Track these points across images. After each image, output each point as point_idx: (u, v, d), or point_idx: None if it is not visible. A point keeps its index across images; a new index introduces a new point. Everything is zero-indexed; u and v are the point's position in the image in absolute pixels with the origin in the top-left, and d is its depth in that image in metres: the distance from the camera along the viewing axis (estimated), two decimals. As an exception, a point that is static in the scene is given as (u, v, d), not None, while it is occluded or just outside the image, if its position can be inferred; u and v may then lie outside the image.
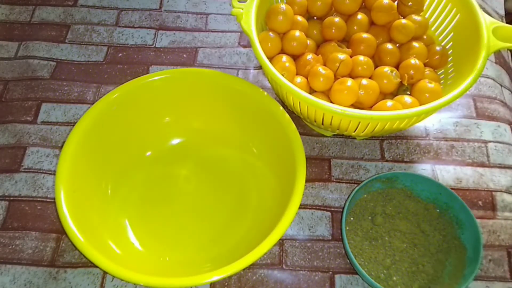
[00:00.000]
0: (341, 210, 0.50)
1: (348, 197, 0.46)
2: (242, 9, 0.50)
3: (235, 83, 0.50)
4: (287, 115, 0.46)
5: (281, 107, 0.47)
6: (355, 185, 0.51)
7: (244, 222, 0.48)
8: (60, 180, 0.42)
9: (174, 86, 0.50)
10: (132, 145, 0.51)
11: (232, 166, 0.51)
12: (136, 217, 0.48)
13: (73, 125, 0.54)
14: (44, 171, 0.51)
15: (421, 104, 0.47)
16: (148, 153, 0.52)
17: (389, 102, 0.47)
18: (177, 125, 0.53)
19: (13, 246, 0.47)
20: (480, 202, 0.51)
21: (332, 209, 0.50)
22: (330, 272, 0.46)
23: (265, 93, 0.48)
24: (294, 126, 0.46)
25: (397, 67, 0.52)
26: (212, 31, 0.64)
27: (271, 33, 0.51)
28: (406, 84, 0.50)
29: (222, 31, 0.64)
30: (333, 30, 0.53)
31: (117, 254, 0.43)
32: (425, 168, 0.53)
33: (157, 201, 0.50)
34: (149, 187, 0.50)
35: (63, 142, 0.53)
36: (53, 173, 0.51)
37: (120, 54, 0.61)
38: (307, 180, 0.51)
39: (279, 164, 0.47)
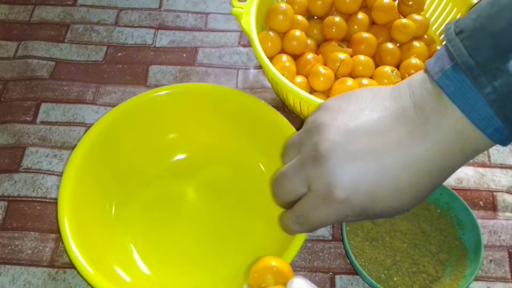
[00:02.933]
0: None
1: (348, 197, 0.46)
2: (242, 8, 0.50)
3: (242, 99, 0.48)
4: (294, 130, 0.45)
5: (290, 126, 0.46)
6: (356, 185, 0.51)
7: (254, 240, 0.46)
8: (63, 208, 0.41)
9: (179, 101, 0.49)
10: (135, 163, 0.49)
11: (240, 183, 0.50)
12: (141, 240, 0.46)
13: (73, 125, 0.54)
14: (43, 171, 0.51)
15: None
16: (152, 170, 0.50)
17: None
18: (182, 141, 0.51)
19: (12, 247, 0.47)
20: (481, 203, 0.50)
21: (333, 209, 0.49)
22: (331, 273, 0.46)
23: (274, 109, 0.47)
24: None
25: (397, 66, 0.51)
26: (212, 31, 0.64)
27: (271, 33, 0.51)
28: (406, 84, 0.50)
29: (222, 31, 0.63)
30: (334, 30, 0.53)
31: (127, 283, 0.41)
32: (425, 168, 0.52)
33: (162, 221, 0.48)
34: (153, 206, 0.48)
35: (63, 143, 0.53)
36: (53, 173, 0.51)
37: (119, 54, 0.61)
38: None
39: None
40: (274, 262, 0.31)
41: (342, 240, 0.46)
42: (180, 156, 0.51)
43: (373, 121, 0.33)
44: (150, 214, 0.48)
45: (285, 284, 0.30)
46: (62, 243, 0.40)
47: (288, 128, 0.46)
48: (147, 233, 0.47)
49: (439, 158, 0.31)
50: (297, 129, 0.44)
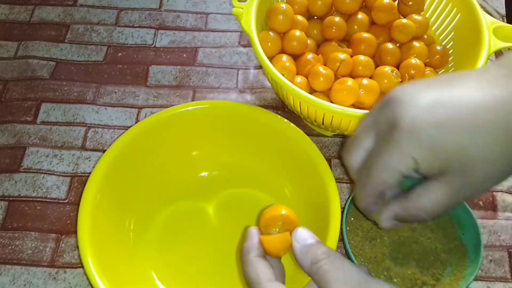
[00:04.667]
0: (341, 210, 0.49)
1: (348, 197, 0.46)
2: (242, 8, 0.50)
3: (270, 120, 0.47)
4: (322, 158, 0.44)
5: (319, 153, 0.44)
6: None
7: None
8: (83, 228, 0.40)
9: (204, 117, 0.48)
10: (156, 181, 0.48)
11: (262, 205, 0.48)
12: (161, 265, 0.45)
13: (73, 125, 0.54)
14: (43, 171, 0.51)
15: (421, 104, 0.47)
16: (172, 188, 0.49)
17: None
18: (205, 159, 0.50)
19: (13, 247, 0.47)
20: (480, 203, 0.50)
21: (333, 209, 0.49)
22: (331, 273, 0.46)
23: (302, 133, 0.46)
24: (329, 169, 0.43)
25: (397, 66, 0.51)
26: (212, 31, 0.64)
27: (271, 33, 0.51)
28: (406, 84, 0.50)
29: (222, 31, 0.64)
30: (334, 30, 0.53)
31: None
32: (425, 168, 0.52)
33: (182, 243, 0.47)
34: (172, 227, 0.48)
35: (63, 143, 0.53)
36: (53, 173, 0.51)
37: (119, 54, 0.61)
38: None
39: (312, 209, 0.44)
40: (284, 210, 0.34)
41: (342, 240, 0.46)
42: (203, 174, 0.51)
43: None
44: (169, 235, 0.47)
45: (291, 231, 0.33)
46: (85, 274, 0.39)
47: (317, 155, 0.44)
48: (167, 258, 0.46)
49: None
50: (326, 158, 0.44)
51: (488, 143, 0.28)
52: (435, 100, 0.29)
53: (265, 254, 0.33)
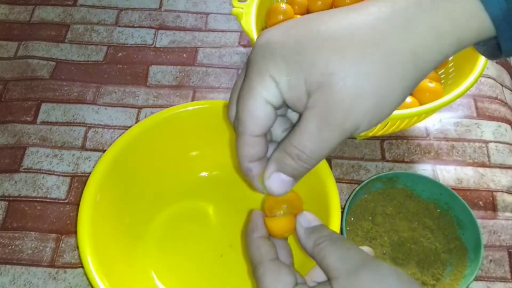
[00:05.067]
0: (341, 210, 0.49)
1: (348, 197, 0.46)
2: (243, 8, 0.50)
3: None
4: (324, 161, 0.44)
5: None
6: (356, 185, 0.51)
7: None
8: (83, 227, 0.39)
9: (203, 117, 0.48)
10: (156, 181, 0.48)
11: (261, 205, 0.48)
12: (161, 265, 0.45)
13: (73, 125, 0.54)
14: (43, 171, 0.51)
15: (421, 104, 0.47)
16: (172, 189, 0.49)
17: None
18: (205, 159, 0.50)
19: (13, 247, 0.47)
20: (480, 203, 0.50)
21: (333, 209, 0.49)
22: (331, 273, 0.46)
23: None
24: (329, 169, 0.43)
25: (397, 67, 0.51)
26: (212, 31, 0.64)
27: (271, 33, 0.51)
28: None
29: (222, 31, 0.64)
30: (334, 30, 0.53)
31: None
32: (425, 168, 0.53)
33: (182, 242, 0.47)
34: (172, 227, 0.47)
35: (63, 143, 0.53)
36: (53, 173, 0.51)
37: (120, 54, 0.61)
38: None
39: (312, 209, 0.43)
40: (290, 194, 0.32)
41: (342, 240, 0.46)
42: (203, 174, 0.51)
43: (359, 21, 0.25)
44: (169, 235, 0.47)
45: (295, 215, 0.32)
46: (85, 274, 0.39)
47: None
48: (167, 257, 0.46)
49: (432, 39, 0.25)
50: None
51: (354, 60, 0.24)
52: (298, 22, 0.26)
53: (269, 235, 0.33)
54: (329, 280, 0.28)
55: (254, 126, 0.27)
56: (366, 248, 0.31)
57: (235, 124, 0.28)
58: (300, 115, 0.26)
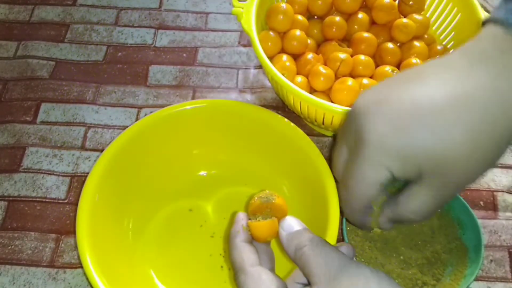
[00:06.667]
0: (341, 210, 0.49)
1: (349, 197, 0.46)
2: (243, 8, 0.49)
3: (268, 118, 0.47)
4: (322, 158, 0.44)
5: (318, 151, 0.44)
6: (356, 185, 0.51)
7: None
8: (82, 225, 0.39)
9: (204, 116, 0.48)
10: (156, 179, 0.48)
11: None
12: (160, 264, 0.45)
13: (73, 125, 0.54)
14: (43, 171, 0.51)
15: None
16: (172, 187, 0.49)
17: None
18: (205, 158, 0.49)
19: (12, 247, 0.47)
20: (481, 202, 0.50)
21: (333, 209, 0.49)
22: (331, 273, 0.46)
23: (302, 132, 0.45)
24: (329, 169, 0.42)
25: (398, 66, 0.51)
26: (212, 30, 0.63)
27: (271, 32, 0.51)
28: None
29: (222, 31, 0.63)
30: (334, 29, 0.53)
31: None
32: (426, 168, 0.52)
33: (181, 241, 0.47)
34: (171, 226, 0.47)
35: (63, 143, 0.53)
36: (53, 173, 0.51)
37: (119, 54, 0.61)
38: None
39: (311, 209, 0.44)
40: (274, 196, 0.34)
41: (343, 240, 0.46)
42: (202, 173, 0.50)
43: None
44: (168, 234, 0.47)
45: (279, 219, 0.33)
46: (84, 272, 0.39)
47: (315, 153, 0.44)
48: (166, 256, 0.46)
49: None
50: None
51: (457, 140, 0.28)
52: (397, 107, 0.29)
53: (252, 239, 0.34)
54: (310, 285, 0.29)
55: (367, 201, 0.32)
56: (345, 248, 0.32)
57: (341, 192, 0.35)
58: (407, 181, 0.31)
